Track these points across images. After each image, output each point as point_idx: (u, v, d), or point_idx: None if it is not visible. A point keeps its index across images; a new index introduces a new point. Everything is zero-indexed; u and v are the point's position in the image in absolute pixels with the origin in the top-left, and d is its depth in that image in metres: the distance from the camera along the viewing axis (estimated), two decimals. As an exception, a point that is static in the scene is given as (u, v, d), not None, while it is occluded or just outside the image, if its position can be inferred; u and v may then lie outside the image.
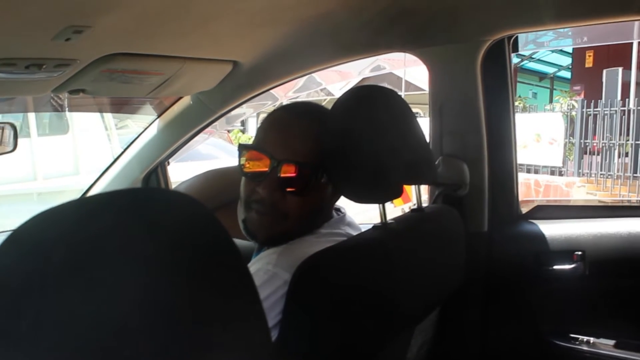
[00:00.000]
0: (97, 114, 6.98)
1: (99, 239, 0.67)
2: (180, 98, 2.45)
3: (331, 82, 11.29)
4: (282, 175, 1.44)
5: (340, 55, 2.20)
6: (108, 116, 7.26)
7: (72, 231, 0.67)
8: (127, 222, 0.70)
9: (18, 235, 0.68)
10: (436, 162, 1.98)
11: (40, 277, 0.64)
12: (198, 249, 0.75)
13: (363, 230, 1.52)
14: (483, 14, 1.91)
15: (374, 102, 1.50)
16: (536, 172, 11.08)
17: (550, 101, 14.84)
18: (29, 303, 0.63)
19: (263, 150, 1.47)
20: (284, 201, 1.46)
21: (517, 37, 2.03)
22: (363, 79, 11.12)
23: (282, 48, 2.07)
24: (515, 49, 2.04)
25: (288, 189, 1.45)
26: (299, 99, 7.29)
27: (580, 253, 1.96)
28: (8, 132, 1.99)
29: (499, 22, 1.92)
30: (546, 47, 11.91)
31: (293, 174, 1.45)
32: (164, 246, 0.71)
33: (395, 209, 4.73)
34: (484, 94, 1.98)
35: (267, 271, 1.32)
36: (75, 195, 4.56)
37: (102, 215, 0.70)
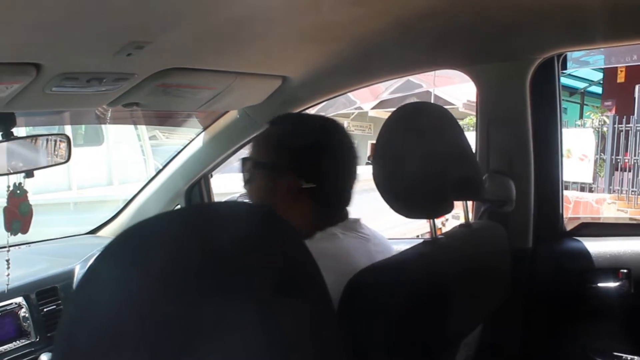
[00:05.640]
0: (131, 126, 7.04)
1: (193, 253, 0.70)
2: (227, 112, 2.48)
3: (364, 100, 11.37)
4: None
5: (389, 72, 2.23)
6: (142, 128, 7.32)
7: (170, 244, 0.70)
8: (216, 236, 0.72)
9: (116, 246, 0.71)
10: (483, 178, 1.99)
11: (139, 290, 0.67)
12: (284, 261, 0.77)
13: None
14: (534, 32, 1.92)
15: (425, 118, 1.52)
16: (566, 188, 10.88)
17: (581, 117, 14.69)
18: (130, 317, 0.66)
19: None
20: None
21: (566, 55, 2.04)
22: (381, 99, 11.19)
23: (331, 64, 2.10)
24: (564, 67, 2.04)
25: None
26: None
27: (625, 271, 1.94)
28: (63, 144, 2.03)
29: (549, 41, 1.93)
30: (591, 64, 11.75)
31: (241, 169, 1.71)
32: (254, 260, 0.73)
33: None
34: (532, 112, 1.99)
35: None
36: (113, 205, 4.59)
37: (198, 228, 0.72)
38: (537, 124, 2.01)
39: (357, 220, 1.67)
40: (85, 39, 1.45)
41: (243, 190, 2.36)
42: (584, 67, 12.21)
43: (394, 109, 1.54)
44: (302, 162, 1.61)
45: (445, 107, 1.69)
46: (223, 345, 0.67)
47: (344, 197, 1.67)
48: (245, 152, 2.88)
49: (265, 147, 1.69)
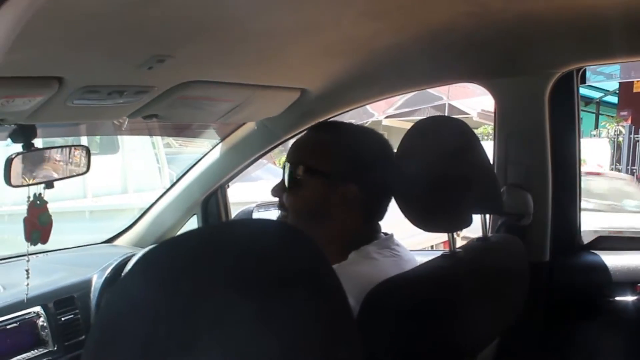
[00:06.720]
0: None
1: (220, 269, 0.71)
2: (245, 123, 2.49)
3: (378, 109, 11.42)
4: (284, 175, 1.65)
5: (407, 85, 2.24)
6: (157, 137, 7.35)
7: (197, 261, 0.71)
8: (245, 253, 0.73)
9: (144, 264, 0.72)
10: (501, 192, 1.98)
11: (167, 306, 0.67)
12: (304, 277, 0.78)
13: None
14: (554, 46, 1.92)
15: (444, 132, 1.53)
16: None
17: (596, 126, 14.65)
18: (159, 332, 0.66)
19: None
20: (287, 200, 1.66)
21: (585, 69, 2.04)
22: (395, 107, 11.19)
23: (350, 77, 2.10)
24: (583, 81, 2.04)
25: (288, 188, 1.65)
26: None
27: None
28: (82, 154, 2.05)
29: (569, 55, 1.93)
30: (615, 78, 11.70)
31: (288, 173, 1.64)
32: (275, 277, 0.74)
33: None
34: (551, 125, 1.99)
35: None
36: (128, 213, 4.60)
37: (225, 246, 0.73)
38: (556, 138, 2.01)
39: (390, 237, 1.66)
40: (108, 53, 1.46)
41: (259, 200, 2.35)
42: (610, 80, 12.09)
43: (407, 118, 1.55)
44: (363, 173, 1.60)
45: (460, 116, 1.70)
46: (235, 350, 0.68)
47: (384, 212, 1.68)
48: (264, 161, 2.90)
49: (321, 154, 1.65)
